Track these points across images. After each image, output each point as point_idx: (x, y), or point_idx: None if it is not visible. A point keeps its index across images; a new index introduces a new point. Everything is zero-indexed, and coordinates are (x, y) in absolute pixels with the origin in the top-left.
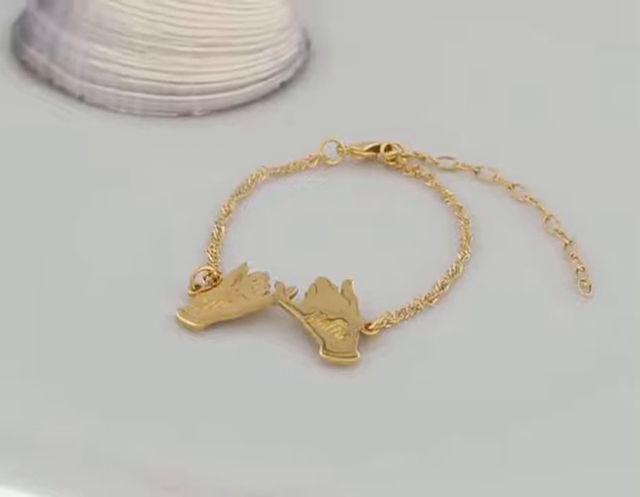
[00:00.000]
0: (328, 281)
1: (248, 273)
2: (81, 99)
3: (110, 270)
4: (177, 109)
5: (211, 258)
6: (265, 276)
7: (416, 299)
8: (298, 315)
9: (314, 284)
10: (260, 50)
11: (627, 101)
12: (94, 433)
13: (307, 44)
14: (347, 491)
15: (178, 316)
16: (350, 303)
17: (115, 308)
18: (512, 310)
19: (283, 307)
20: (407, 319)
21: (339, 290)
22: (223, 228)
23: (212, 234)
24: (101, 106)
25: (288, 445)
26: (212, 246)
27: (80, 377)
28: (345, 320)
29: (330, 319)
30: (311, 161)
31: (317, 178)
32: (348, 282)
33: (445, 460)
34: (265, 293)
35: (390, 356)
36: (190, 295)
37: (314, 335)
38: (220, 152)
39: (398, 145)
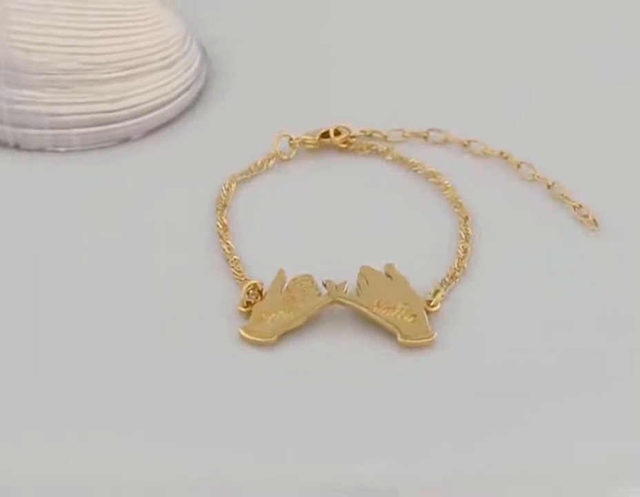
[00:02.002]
0: (373, 269)
1: (289, 278)
2: (16, 147)
3: (141, 304)
4: (115, 137)
5: (237, 273)
6: (310, 277)
7: (451, 267)
8: (363, 308)
9: (361, 274)
10: (174, 63)
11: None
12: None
13: (204, 51)
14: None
15: (244, 334)
16: (402, 285)
17: (169, 337)
18: (539, 260)
19: (343, 304)
20: (451, 289)
21: (384, 275)
22: (229, 242)
23: (224, 250)
24: (39, 149)
25: (405, 437)
26: (232, 262)
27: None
28: (406, 303)
29: (392, 306)
30: (269, 160)
31: (283, 175)
32: (391, 266)
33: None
34: (319, 294)
35: (454, 328)
36: (241, 311)
37: (386, 323)
38: (172, 170)
39: (345, 127)
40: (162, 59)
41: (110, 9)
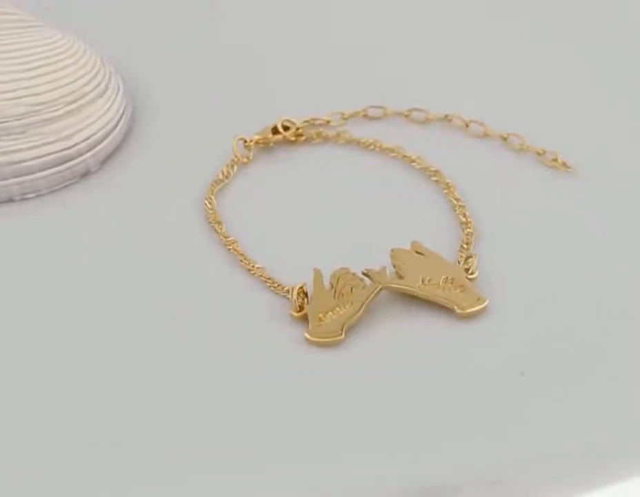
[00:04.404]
0: (404, 250)
1: (328, 275)
2: None
3: (187, 331)
4: (77, 172)
5: (267, 280)
6: (348, 270)
7: (467, 234)
8: (415, 290)
9: (394, 256)
10: (106, 89)
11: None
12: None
13: (122, 76)
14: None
15: (310, 337)
16: (436, 259)
17: (232, 358)
18: (535, 211)
19: (392, 289)
20: (471, 255)
21: (415, 253)
22: (244, 253)
23: (241, 261)
24: (8, 200)
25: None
26: (257, 270)
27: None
28: (447, 275)
29: (436, 281)
30: (233, 165)
31: (251, 178)
32: (417, 243)
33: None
34: (364, 284)
35: (491, 291)
36: (294, 316)
37: (440, 299)
38: (142, 194)
39: (288, 120)
40: (95, 87)
41: (31, 47)
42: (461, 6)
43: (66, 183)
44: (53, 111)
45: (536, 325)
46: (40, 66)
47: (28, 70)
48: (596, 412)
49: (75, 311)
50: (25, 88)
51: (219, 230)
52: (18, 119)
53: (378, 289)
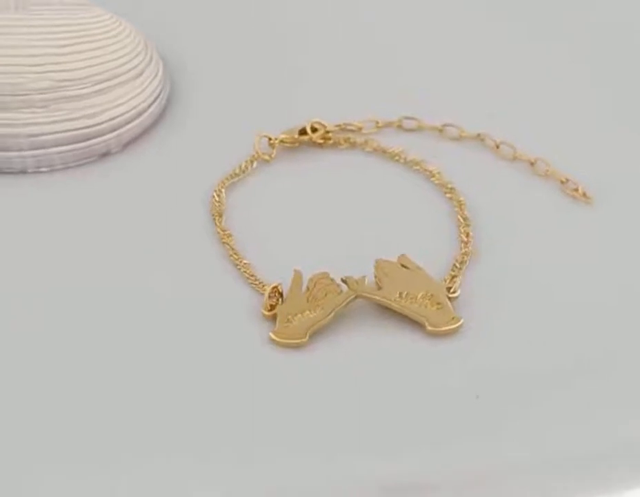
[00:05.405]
0: (389, 261)
1: (307, 278)
2: None
3: (159, 319)
4: (95, 152)
5: (250, 277)
6: (327, 275)
7: (463, 253)
8: (389, 302)
9: (378, 267)
10: (141, 73)
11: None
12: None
13: (164, 59)
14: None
15: (274, 338)
16: (420, 274)
17: (196, 350)
18: (540, 238)
19: (367, 298)
20: (462, 274)
21: (400, 266)
22: (235, 247)
23: (231, 256)
24: (22, 172)
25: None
26: (243, 266)
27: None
28: (428, 291)
29: (414, 296)
30: (252, 161)
31: (268, 175)
32: (405, 256)
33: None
34: (340, 291)
35: (473, 311)
36: (265, 315)
37: (413, 314)
38: (157, 180)
39: (319, 123)
40: (131, 70)
41: (70, 25)
42: (510, 28)
43: (84, 161)
44: (80, 88)
45: (513, 346)
46: (77, 43)
47: (63, 46)
48: (572, 427)
49: (59, 292)
50: (56, 63)
51: (217, 223)
52: (41, 93)
53: (352, 297)
